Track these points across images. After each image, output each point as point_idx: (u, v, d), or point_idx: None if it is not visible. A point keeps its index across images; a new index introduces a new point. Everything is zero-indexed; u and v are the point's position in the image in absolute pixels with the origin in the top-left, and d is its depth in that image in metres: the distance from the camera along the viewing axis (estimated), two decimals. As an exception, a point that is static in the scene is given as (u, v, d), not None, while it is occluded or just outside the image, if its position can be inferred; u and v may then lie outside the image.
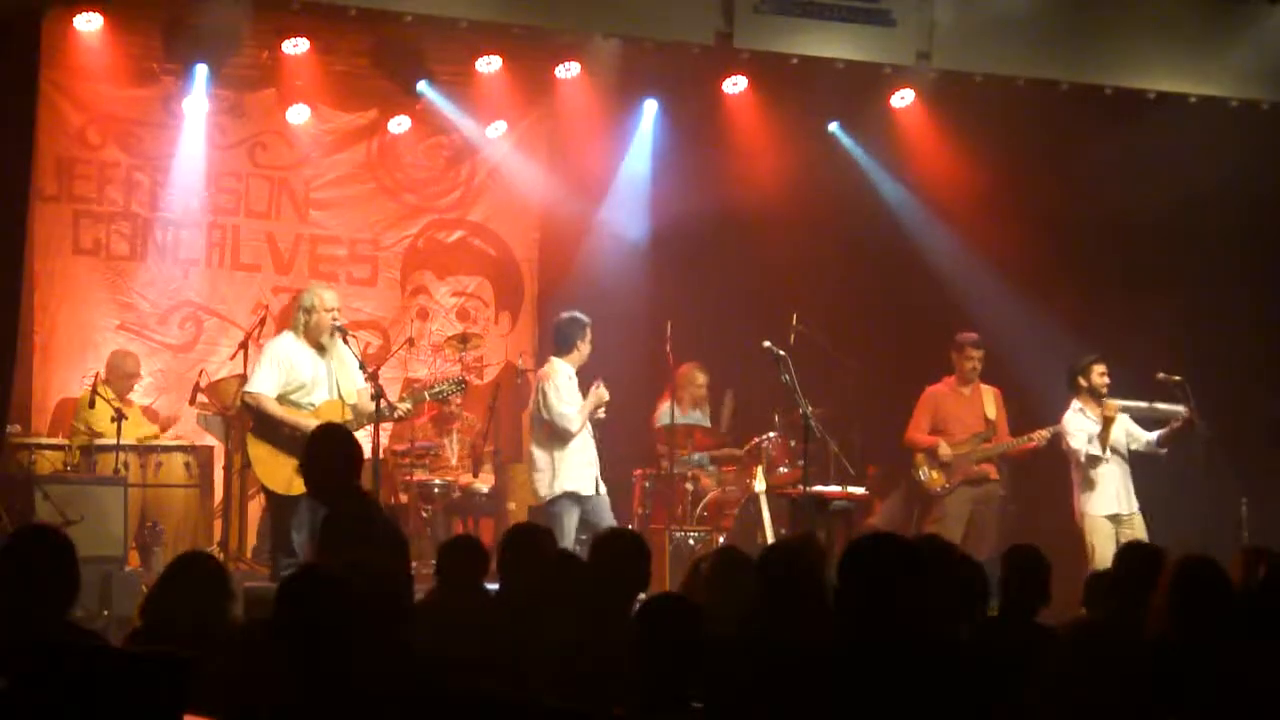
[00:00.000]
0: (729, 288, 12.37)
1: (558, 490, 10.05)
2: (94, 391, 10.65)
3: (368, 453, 9.41)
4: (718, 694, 4.53)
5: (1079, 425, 10.71)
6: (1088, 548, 10.53)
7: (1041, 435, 11.01)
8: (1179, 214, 11.62)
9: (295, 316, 9.41)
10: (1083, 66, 11.52)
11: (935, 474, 11.05)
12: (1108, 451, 10.61)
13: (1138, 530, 10.52)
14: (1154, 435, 10.72)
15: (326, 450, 7.13)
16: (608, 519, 9.91)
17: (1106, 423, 10.59)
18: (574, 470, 10.08)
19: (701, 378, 11.79)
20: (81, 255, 11.70)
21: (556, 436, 10.10)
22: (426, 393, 10.11)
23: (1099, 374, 10.73)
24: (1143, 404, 10.72)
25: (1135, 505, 10.68)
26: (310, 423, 9.04)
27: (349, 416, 9.13)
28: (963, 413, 11.19)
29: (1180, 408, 10.61)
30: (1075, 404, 10.77)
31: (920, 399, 11.27)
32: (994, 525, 11.10)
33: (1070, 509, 10.83)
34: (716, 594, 5.66)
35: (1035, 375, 11.55)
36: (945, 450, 11.01)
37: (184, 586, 5.22)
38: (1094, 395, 10.73)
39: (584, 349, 10.21)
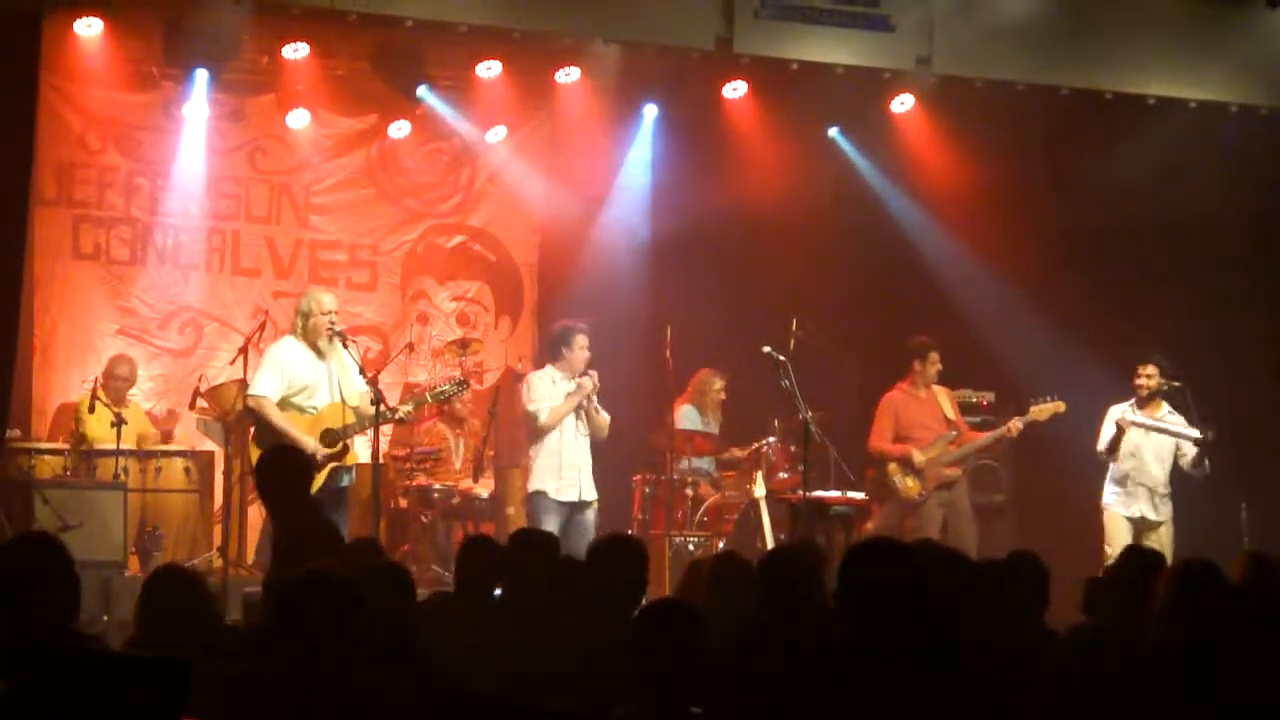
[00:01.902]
0: (729, 293, 12.36)
1: (530, 489, 10.12)
2: (94, 396, 10.65)
3: (367, 457, 9.51)
4: (717, 699, 4.52)
5: (1111, 419, 10.73)
6: (1106, 540, 10.54)
7: (1014, 426, 11.00)
8: (1179, 218, 11.63)
9: (295, 321, 9.44)
10: (1082, 71, 11.54)
11: (910, 482, 11.02)
12: (1117, 455, 10.61)
13: (1163, 540, 10.51)
14: (1191, 457, 10.69)
15: (276, 471, 7.41)
16: (586, 540, 9.36)
17: (1118, 432, 10.61)
18: (543, 470, 10.08)
19: (719, 383, 11.79)
20: (81, 260, 11.70)
21: (532, 435, 10.18)
22: (429, 394, 10.11)
23: (1137, 374, 10.70)
24: (1150, 422, 10.69)
25: (1167, 515, 10.66)
26: (302, 437, 9.04)
27: (351, 420, 9.16)
28: (924, 416, 11.17)
29: (1195, 433, 10.58)
30: (1132, 400, 10.79)
31: (879, 406, 11.21)
32: (968, 521, 11.06)
33: (1077, 509, 10.84)
34: (716, 599, 5.65)
35: (1035, 379, 11.54)
36: (919, 457, 10.97)
37: (164, 607, 5.21)
38: (1135, 395, 10.74)
39: (572, 355, 10.16)
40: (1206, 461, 10.60)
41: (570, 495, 10.10)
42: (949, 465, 11.06)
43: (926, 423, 11.12)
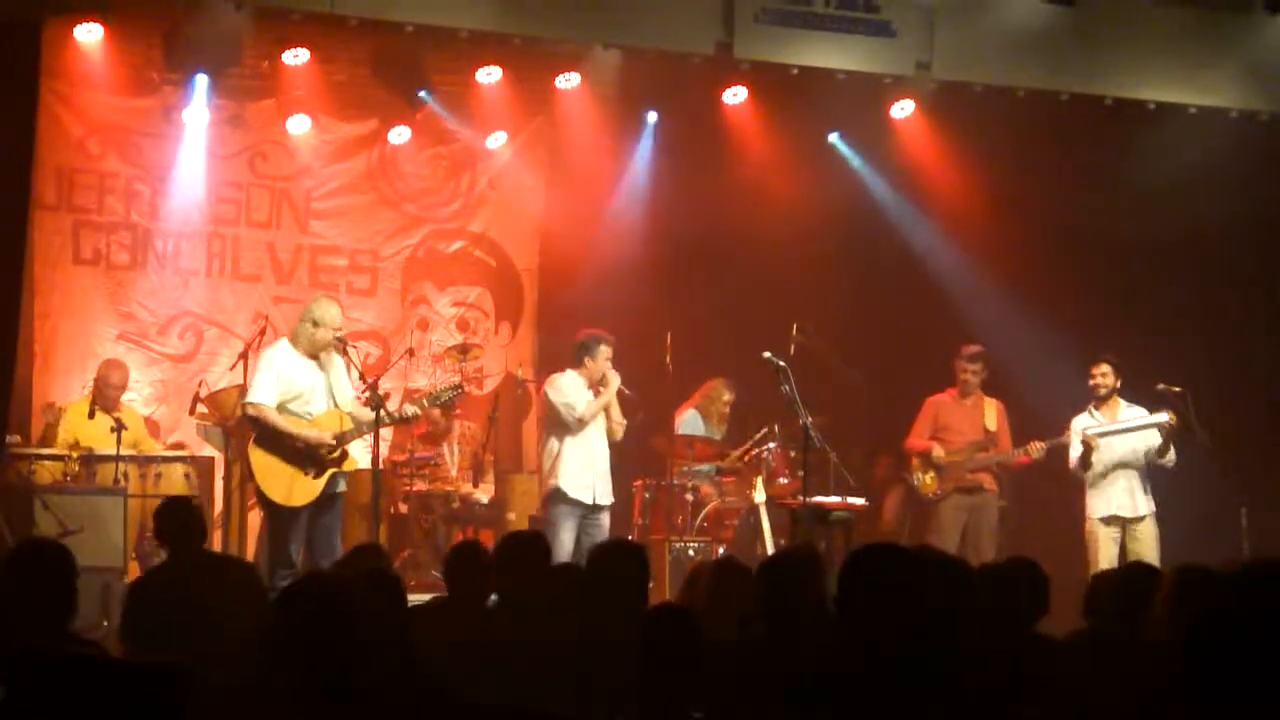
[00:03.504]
0: (729, 298, 12.36)
1: (550, 486, 10.09)
2: (93, 403, 10.64)
3: (366, 463, 9.51)
4: (718, 704, 4.52)
5: (1075, 432, 10.73)
6: (1089, 551, 10.54)
7: (1037, 447, 11.02)
8: (1179, 222, 11.62)
9: (299, 326, 9.43)
10: (1083, 77, 11.54)
11: (929, 478, 11.11)
12: (1086, 470, 10.61)
13: (1146, 536, 10.53)
14: (1156, 447, 10.68)
15: (160, 522, 7.26)
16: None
17: (1085, 448, 10.61)
18: (569, 470, 10.07)
19: (728, 395, 11.80)
20: (82, 265, 11.69)
21: (558, 434, 10.14)
22: (426, 399, 10.10)
23: (1092, 375, 10.73)
24: (1112, 426, 10.70)
25: (1146, 510, 10.65)
26: (310, 432, 9.08)
27: (348, 426, 9.17)
28: (962, 423, 11.24)
29: (1162, 415, 10.59)
30: (1090, 406, 10.80)
31: (922, 407, 11.38)
32: (990, 535, 11.10)
33: (1073, 516, 10.85)
34: (716, 604, 5.65)
35: (1038, 386, 11.54)
36: (939, 452, 11.07)
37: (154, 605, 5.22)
38: (1093, 397, 10.75)
39: (595, 364, 10.26)
40: (1173, 448, 10.59)
41: (585, 497, 10.10)
42: (973, 472, 11.11)
43: (961, 428, 11.22)
